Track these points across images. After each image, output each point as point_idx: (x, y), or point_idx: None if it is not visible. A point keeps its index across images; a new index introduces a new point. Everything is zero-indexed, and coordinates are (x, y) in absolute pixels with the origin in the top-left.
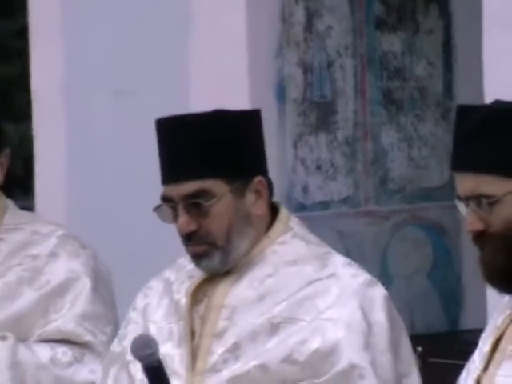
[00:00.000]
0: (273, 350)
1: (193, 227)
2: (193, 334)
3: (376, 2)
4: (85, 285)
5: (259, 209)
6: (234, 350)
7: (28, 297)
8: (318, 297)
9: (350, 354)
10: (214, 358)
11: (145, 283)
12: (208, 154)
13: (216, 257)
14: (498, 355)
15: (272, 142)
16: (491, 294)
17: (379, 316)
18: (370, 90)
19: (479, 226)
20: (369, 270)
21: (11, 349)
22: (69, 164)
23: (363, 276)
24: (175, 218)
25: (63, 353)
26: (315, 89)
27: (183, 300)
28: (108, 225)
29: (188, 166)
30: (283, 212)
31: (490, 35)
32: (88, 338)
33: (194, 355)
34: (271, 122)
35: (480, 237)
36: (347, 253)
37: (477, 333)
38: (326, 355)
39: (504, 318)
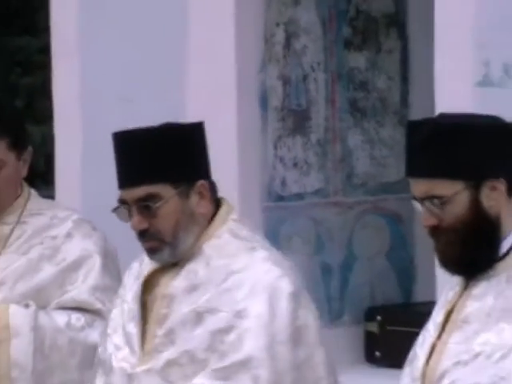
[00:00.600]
0: (197, 338)
1: (144, 226)
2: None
3: (344, 26)
4: (96, 261)
5: (202, 208)
6: (170, 335)
7: (47, 271)
8: (235, 289)
9: (251, 345)
10: (156, 341)
11: None
12: (156, 163)
13: (165, 251)
14: (449, 325)
15: (256, 143)
16: (439, 272)
17: (283, 309)
18: (338, 100)
19: (433, 222)
20: (337, 252)
21: (33, 315)
22: (84, 160)
23: (276, 271)
24: (130, 218)
25: (77, 318)
26: (292, 98)
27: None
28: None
29: (139, 173)
30: (223, 209)
31: (440, 54)
32: (98, 306)
33: (143, 337)
34: (255, 127)
35: (435, 230)
36: (318, 237)
37: (427, 304)
38: (235, 345)
39: (454, 294)
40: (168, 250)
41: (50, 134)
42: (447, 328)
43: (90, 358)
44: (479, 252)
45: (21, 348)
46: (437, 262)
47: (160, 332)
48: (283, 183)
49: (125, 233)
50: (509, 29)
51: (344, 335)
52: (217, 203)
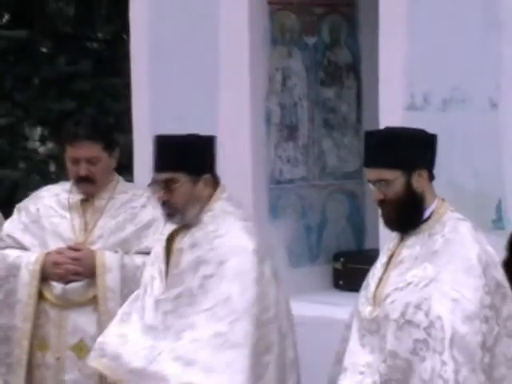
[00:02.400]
0: (195, 280)
1: (165, 198)
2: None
3: (320, 71)
4: (160, 223)
5: (205, 192)
6: (180, 275)
7: (129, 229)
8: (218, 248)
9: (227, 286)
10: (172, 279)
11: None
12: (178, 158)
13: (177, 217)
14: (390, 265)
15: (263, 147)
16: (382, 229)
17: (248, 261)
18: (316, 119)
19: (381, 197)
20: (314, 217)
21: (120, 257)
22: (151, 157)
23: (245, 236)
24: (158, 193)
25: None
26: (287, 118)
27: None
28: None
29: (166, 163)
30: (218, 191)
31: (382, 89)
32: None
33: (166, 273)
34: (263, 136)
35: (381, 203)
36: (303, 209)
37: (374, 250)
38: (214, 286)
39: (394, 244)
40: (179, 216)
41: (130, 140)
42: (389, 266)
43: None
44: (410, 217)
45: (112, 279)
46: (381, 223)
47: (175, 271)
48: (280, 172)
49: None
50: (427, 71)
51: (319, 271)
52: (216, 187)
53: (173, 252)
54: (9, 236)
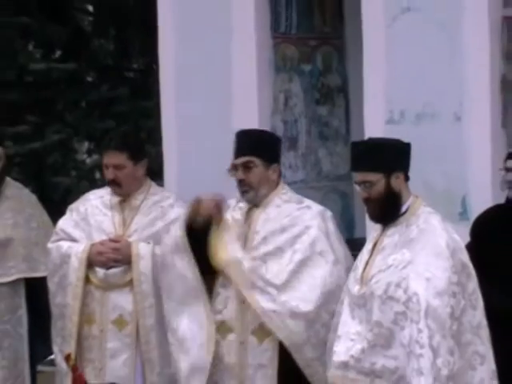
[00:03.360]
0: (283, 240)
1: (243, 177)
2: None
3: (315, 92)
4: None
5: (273, 177)
6: (264, 239)
7: (160, 225)
8: (298, 218)
9: (302, 247)
10: (254, 242)
11: None
12: (255, 147)
13: (251, 193)
14: (375, 251)
15: None
16: (368, 222)
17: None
18: (313, 132)
19: (366, 196)
20: None
21: (151, 248)
22: (179, 166)
23: (316, 209)
24: (237, 173)
25: None
26: (288, 131)
27: (239, 217)
28: (207, 188)
29: (246, 150)
30: (282, 181)
31: (366, 107)
32: None
33: (246, 239)
34: None
35: (366, 200)
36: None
37: (361, 239)
38: (305, 243)
39: (377, 234)
40: (252, 193)
41: (160, 151)
42: (374, 252)
43: None
44: (390, 211)
45: (145, 265)
46: (367, 217)
47: (258, 237)
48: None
49: None
50: (402, 92)
51: None
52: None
53: (250, 223)
54: (62, 231)
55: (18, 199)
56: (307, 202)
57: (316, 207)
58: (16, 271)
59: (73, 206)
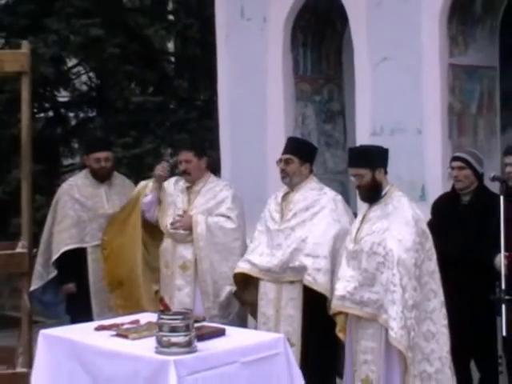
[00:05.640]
0: (306, 216)
1: (283, 168)
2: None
3: (323, 113)
4: (229, 199)
5: (305, 172)
6: (294, 215)
7: (212, 203)
8: (317, 201)
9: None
10: (287, 217)
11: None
12: (295, 149)
13: (287, 179)
14: (364, 221)
15: None
16: (359, 202)
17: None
18: (321, 141)
19: (358, 184)
20: None
21: (205, 217)
22: (232, 163)
23: (333, 193)
24: (280, 164)
25: (224, 219)
26: (306, 138)
27: (279, 200)
28: (250, 180)
29: (288, 150)
30: (312, 175)
31: (358, 123)
32: (233, 215)
33: (282, 215)
34: None
35: (358, 187)
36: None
37: (354, 214)
38: (320, 218)
39: (365, 210)
40: (287, 179)
41: (219, 155)
42: (363, 222)
43: (225, 234)
44: (374, 195)
45: (201, 229)
46: (358, 199)
47: (290, 214)
48: None
49: (253, 194)
50: (382, 114)
51: None
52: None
53: (285, 205)
54: None
55: (122, 186)
56: (325, 189)
57: (330, 193)
58: None
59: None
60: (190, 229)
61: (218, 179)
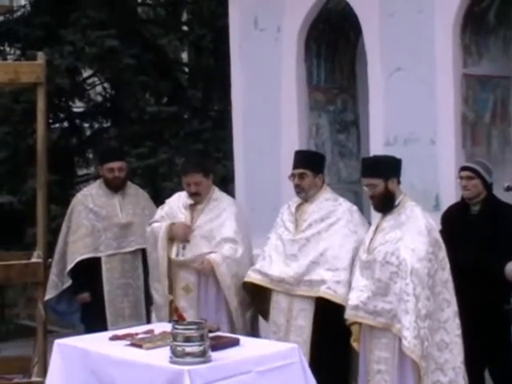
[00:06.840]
0: (321, 226)
1: (298, 183)
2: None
3: (336, 124)
4: (232, 216)
5: (319, 183)
6: (309, 226)
7: (214, 224)
8: (333, 212)
9: (343, 230)
10: (302, 227)
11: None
12: (307, 162)
13: (303, 194)
14: (377, 231)
15: None
16: (372, 212)
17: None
18: (335, 151)
19: (371, 194)
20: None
21: (223, 258)
22: (245, 179)
23: (346, 204)
24: (294, 180)
25: (235, 249)
26: (319, 148)
27: (293, 210)
28: (264, 190)
29: (300, 164)
30: (325, 184)
31: (372, 133)
32: (239, 238)
33: (296, 225)
34: None
35: (372, 197)
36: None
37: (368, 223)
38: (336, 230)
39: (379, 219)
40: (303, 194)
41: (233, 165)
42: (376, 231)
43: (238, 264)
44: (387, 204)
45: (223, 269)
46: (372, 208)
47: (305, 224)
48: None
49: (264, 209)
50: (395, 124)
51: None
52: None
53: (300, 215)
54: (155, 220)
55: (136, 196)
56: (340, 199)
57: (346, 204)
58: (135, 243)
59: (165, 204)
60: (211, 271)
61: (221, 194)
